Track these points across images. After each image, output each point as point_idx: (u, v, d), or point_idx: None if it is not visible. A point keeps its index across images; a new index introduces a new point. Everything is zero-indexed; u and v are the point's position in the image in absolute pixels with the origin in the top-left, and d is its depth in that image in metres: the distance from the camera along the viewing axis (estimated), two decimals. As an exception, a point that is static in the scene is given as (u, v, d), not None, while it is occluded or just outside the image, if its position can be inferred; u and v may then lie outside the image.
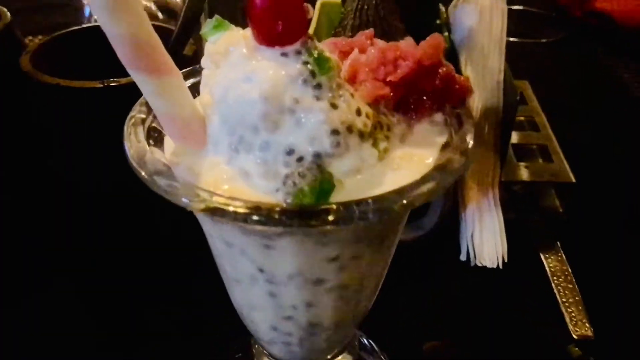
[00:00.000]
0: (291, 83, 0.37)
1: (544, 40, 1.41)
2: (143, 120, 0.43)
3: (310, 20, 0.40)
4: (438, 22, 0.99)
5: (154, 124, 0.44)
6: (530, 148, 0.91)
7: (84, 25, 0.79)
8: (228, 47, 0.40)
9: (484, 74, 0.82)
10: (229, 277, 0.48)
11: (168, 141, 0.44)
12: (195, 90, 0.46)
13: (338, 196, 0.38)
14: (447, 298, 0.72)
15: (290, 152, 0.38)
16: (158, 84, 0.38)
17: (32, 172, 0.82)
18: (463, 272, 0.76)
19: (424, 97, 0.44)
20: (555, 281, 0.73)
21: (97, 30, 0.73)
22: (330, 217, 0.34)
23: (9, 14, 0.76)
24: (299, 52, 0.38)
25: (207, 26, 0.42)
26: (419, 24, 0.94)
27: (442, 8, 0.98)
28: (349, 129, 0.38)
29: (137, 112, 0.44)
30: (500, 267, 0.75)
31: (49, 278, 0.74)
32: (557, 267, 0.75)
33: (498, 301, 0.72)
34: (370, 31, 0.49)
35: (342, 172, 0.38)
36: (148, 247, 0.75)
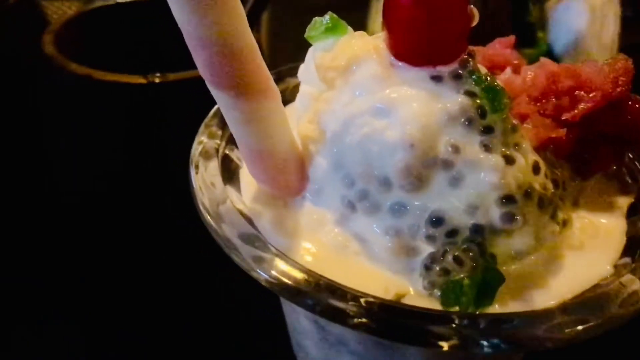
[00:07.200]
0: (449, 123, 0.26)
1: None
2: (217, 150, 0.32)
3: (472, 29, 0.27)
4: (529, 19, 0.87)
5: (226, 151, 0.33)
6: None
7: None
8: (351, 62, 0.28)
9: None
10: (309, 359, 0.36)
11: (245, 176, 0.32)
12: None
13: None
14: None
15: (437, 221, 0.26)
16: (251, 110, 0.27)
17: (33, 182, 0.64)
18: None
19: (603, 142, 0.32)
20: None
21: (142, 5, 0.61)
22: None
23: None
24: (458, 76, 0.26)
25: (316, 27, 0.30)
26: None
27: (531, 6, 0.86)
28: (527, 194, 0.26)
29: (206, 137, 0.33)
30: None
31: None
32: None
33: None
34: (509, 39, 0.37)
35: (509, 256, 0.27)
36: (169, 263, 0.61)
